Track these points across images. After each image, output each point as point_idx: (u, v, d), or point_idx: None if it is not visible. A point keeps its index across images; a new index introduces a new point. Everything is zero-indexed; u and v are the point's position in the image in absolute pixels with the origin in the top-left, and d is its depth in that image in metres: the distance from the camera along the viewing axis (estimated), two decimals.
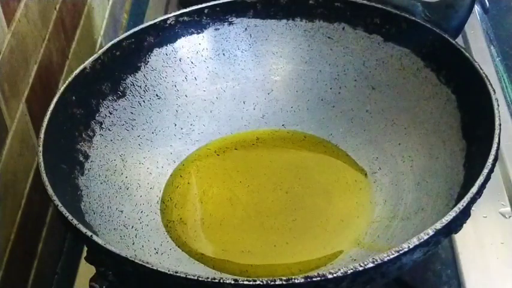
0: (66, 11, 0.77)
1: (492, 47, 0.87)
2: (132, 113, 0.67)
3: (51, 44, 0.73)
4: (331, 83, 0.71)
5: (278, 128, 0.72)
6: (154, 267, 0.46)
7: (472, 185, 0.51)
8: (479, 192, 0.51)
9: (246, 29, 0.72)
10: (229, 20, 0.72)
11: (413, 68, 0.66)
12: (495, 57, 0.85)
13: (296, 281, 0.45)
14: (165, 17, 0.69)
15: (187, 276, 0.46)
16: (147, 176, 0.66)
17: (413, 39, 0.66)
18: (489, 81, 0.58)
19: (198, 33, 0.71)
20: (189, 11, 0.70)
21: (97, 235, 0.52)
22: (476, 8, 0.91)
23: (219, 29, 0.72)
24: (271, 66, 0.73)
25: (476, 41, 0.87)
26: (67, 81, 0.62)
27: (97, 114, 0.65)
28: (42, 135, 0.57)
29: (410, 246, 0.47)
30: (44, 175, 0.53)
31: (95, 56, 0.65)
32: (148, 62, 0.69)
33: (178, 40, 0.70)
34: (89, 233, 0.50)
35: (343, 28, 0.70)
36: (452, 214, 0.49)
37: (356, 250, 0.59)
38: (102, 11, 0.92)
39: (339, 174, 0.66)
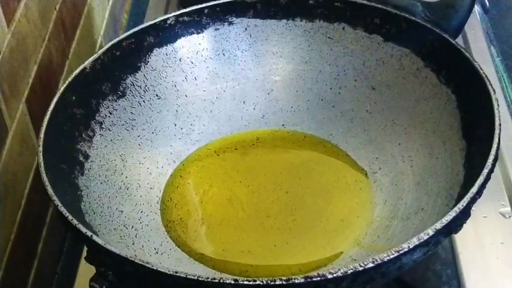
0: (66, 11, 0.77)
1: (492, 47, 0.87)
2: (132, 113, 0.67)
3: (51, 44, 0.73)
4: (331, 83, 0.71)
5: (278, 128, 0.72)
6: (154, 267, 0.46)
7: (472, 185, 0.51)
8: (479, 192, 0.51)
9: (246, 29, 0.72)
10: (229, 20, 0.72)
11: (413, 68, 0.66)
12: (495, 57, 0.85)
13: (296, 281, 0.45)
14: (165, 17, 0.69)
15: (187, 276, 0.46)
16: (147, 176, 0.66)
17: (413, 39, 0.66)
18: (489, 81, 0.58)
19: (198, 33, 0.71)
20: (189, 11, 0.70)
21: (97, 235, 0.52)
22: (476, 8, 0.91)
23: (219, 29, 0.72)
24: (271, 66, 0.73)
25: (476, 41, 0.87)
26: (67, 81, 0.62)
27: (97, 114, 0.65)
28: (42, 135, 0.57)
29: (411, 246, 0.47)
30: (44, 175, 0.53)
31: (95, 56, 0.65)
32: (148, 62, 0.69)
33: (178, 40, 0.70)
34: (89, 233, 0.50)
35: (343, 28, 0.70)
36: (452, 214, 0.48)
37: (356, 250, 0.59)
38: (102, 11, 0.92)
39: (339, 174, 0.66)
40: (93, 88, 0.65)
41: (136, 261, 0.47)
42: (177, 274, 0.46)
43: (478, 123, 0.58)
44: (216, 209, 0.64)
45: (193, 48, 0.71)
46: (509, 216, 0.66)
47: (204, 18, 0.71)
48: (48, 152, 0.56)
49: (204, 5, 0.71)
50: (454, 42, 0.63)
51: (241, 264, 0.59)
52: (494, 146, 0.53)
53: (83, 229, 0.50)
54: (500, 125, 0.55)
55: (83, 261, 0.53)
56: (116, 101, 0.66)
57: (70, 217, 0.51)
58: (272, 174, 0.67)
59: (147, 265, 0.47)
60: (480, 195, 0.51)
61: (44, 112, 0.59)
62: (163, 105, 0.69)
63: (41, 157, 0.55)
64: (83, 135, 0.63)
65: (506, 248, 0.63)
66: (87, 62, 0.64)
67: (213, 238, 0.62)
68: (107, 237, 0.57)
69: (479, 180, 0.51)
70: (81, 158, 0.61)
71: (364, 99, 0.69)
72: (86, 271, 0.56)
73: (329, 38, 0.71)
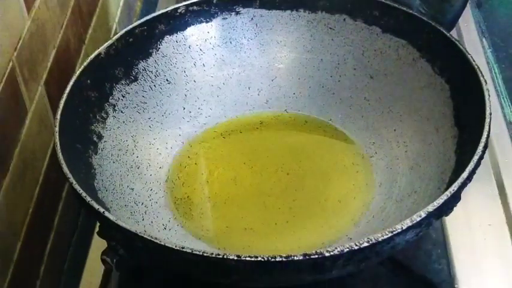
0: None
1: (484, 39, 0.86)
2: (143, 96, 0.67)
3: (69, 30, 0.72)
4: (331, 71, 0.70)
5: (281, 112, 0.71)
6: (162, 243, 0.46)
7: (463, 170, 0.50)
8: (469, 178, 0.50)
9: (252, 18, 0.71)
10: (237, 10, 0.71)
11: (409, 58, 0.66)
12: (486, 49, 0.85)
13: (295, 258, 0.45)
14: (176, 6, 0.69)
15: (193, 252, 0.46)
16: (157, 156, 0.66)
17: (410, 31, 0.66)
18: (481, 72, 0.58)
19: (206, 22, 0.71)
20: (199, 1, 0.70)
21: (109, 211, 0.52)
22: (470, 2, 0.90)
23: (226, 18, 0.71)
24: (275, 55, 0.72)
25: (469, 33, 0.86)
26: (82, 66, 0.62)
27: (110, 97, 0.64)
28: (58, 117, 0.56)
29: (404, 227, 0.46)
30: (59, 154, 0.53)
31: (109, 42, 0.65)
32: (159, 48, 0.68)
33: (188, 28, 0.70)
34: (101, 209, 0.50)
35: (344, 19, 0.69)
36: (443, 197, 0.48)
37: (352, 230, 0.59)
38: (118, 0, 0.91)
39: (338, 157, 0.66)
40: (107, 72, 0.64)
41: (145, 236, 0.47)
42: (184, 249, 0.46)
43: (470, 112, 0.58)
44: (221, 188, 0.64)
45: (202, 36, 0.70)
46: (497, 200, 0.65)
47: (213, 8, 0.70)
48: (64, 133, 0.55)
49: None
50: (448, 34, 0.62)
51: (243, 241, 0.59)
52: (485, 134, 0.53)
53: (96, 205, 0.50)
54: (490, 114, 0.54)
55: (95, 236, 0.53)
56: (128, 85, 0.66)
57: (84, 194, 0.51)
58: (274, 156, 0.67)
59: (155, 240, 0.46)
60: (470, 180, 0.51)
61: (61, 94, 0.59)
62: (173, 90, 0.69)
63: (57, 137, 0.55)
64: (97, 117, 0.62)
65: (493, 229, 0.63)
66: (102, 48, 0.64)
67: (218, 216, 0.62)
68: (118, 213, 0.57)
69: (469, 166, 0.50)
70: (95, 138, 0.61)
71: (362, 87, 0.69)
72: (98, 245, 0.56)
73: (330, 28, 0.70)
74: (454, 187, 0.49)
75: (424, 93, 0.64)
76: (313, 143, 0.68)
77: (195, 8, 0.70)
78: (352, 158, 0.66)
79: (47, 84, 0.66)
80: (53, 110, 0.67)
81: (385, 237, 0.46)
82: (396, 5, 0.66)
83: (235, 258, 0.45)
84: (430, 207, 0.47)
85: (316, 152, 0.67)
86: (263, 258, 0.45)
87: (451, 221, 0.63)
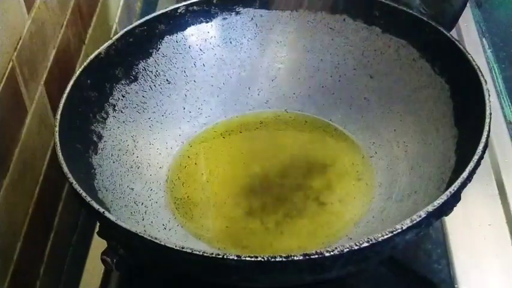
0: None
1: (484, 39, 0.86)
2: (143, 96, 0.67)
3: (69, 30, 0.72)
4: (331, 71, 0.70)
5: (281, 112, 0.71)
6: (162, 243, 0.46)
7: (463, 170, 0.50)
8: (469, 178, 0.50)
9: (252, 18, 0.71)
10: (237, 10, 0.71)
11: (409, 58, 0.66)
12: (486, 49, 0.85)
13: (295, 257, 0.44)
14: (176, 6, 0.69)
15: (193, 252, 0.46)
16: (157, 156, 0.66)
17: (410, 31, 0.66)
18: (481, 72, 0.58)
19: (206, 22, 0.71)
20: (199, 1, 0.70)
21: (109, 211, 0.52)
22: (470, 2, 0.90)
23: (226, 18, 0.71)
24: (275, 55, 0.72)
25: (469, 33, 0.86)
26: (82, 66, 0.62)
27: (110, 97, 0.64)
28: (58, 117, 0.56)
29: (404, 227, 0.46)
30: (59, 154, 0.53)
31: (109, 42, 0.65)
32: (159, 48, 0.68)
33: (188, 28, 0.70)
34: (101, 209, 0.50)
35: (344, 19, 0.69)
36: (443, 198, 0.48)
37: (352, 230, 0.59)
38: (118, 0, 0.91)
39: (338, 157, 0.66)
40: (107, 72, 0.64)
41: (145, 236, 0.47)
42: (184, 249, 0.46)
43: (470, 112, 0.57)
44: (221, 188, 0.64)
45: (202, 36, 0.70)
46: (496, 200, 0.65)
47: (213, 8, 0.70)
48: (64, 132, 0.55)
49: None
50: (448, 34, 0.62)
51: (243, 241, 0.59)
52: (485, 134, 0.53)
53: (96, 205, 0.50)
54: (490, 114, 0.54)
55: (95, 236, 0.53)
56: (128, 85, 0.66)
57: (84, 194, 0.51)
58: (274, 156, 0.66)
59: (155, 240, 0.46)
60: (470, 180, 0.51)
61: (61, 94, 0.59)
62: (173, 90, 0.69)
63: (57, 137, 0.55)
64: (97, 117, 0.62)
65: (493, 229, 0.63)
66: (102, 48, 0.64)
67: (218, 216, 0.62)
68: (118, 213, 0.57)
69: (469, 166, 0.50)
70: (95, 138, 0.61)
71: (362, 87, 0.69)
72: (98, 245, 0.56)
73: (330, 28, 0.70)
74: (454, 187, 0.49)
75: (424, 93, 0.63)
76: (313, 142, 0.68)
77: (195, 8, 0.70)
78: (352, 158, 0.65)
79: (47, 84, 0.65)
80: (53, 110, 0.67)
81: (385, 237, 0.46)
82: (396, 5, 0.66)
83: (235, 258, 0.45)
84: (430, 207, 0.47)
85: (316, 151, 0.67)
86: (263, 258, 0.45)
87: (451, 221, 0.63)
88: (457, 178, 0.50)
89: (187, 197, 0.63)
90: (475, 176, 0.51)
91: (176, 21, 0.69)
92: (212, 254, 0.45)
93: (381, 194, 0.61)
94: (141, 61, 0.67)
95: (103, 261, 0.50)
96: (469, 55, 0.59)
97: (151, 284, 0.60)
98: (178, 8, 0.69)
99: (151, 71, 0.68)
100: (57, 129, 0.55)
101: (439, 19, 0.65)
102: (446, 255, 0.61)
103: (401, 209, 0.57)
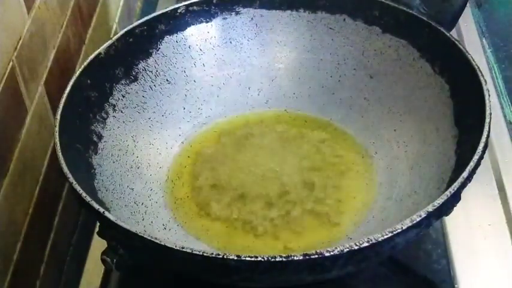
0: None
1: (484, 39, 0.86)
2: (143, 96, 0.67)
3: (69, 30, 0.72)
4: (331, 71, 0.70)
5: (281, 112, 0.71)
6: (162, 243, 0.46)
7: (463, 170, 0.50)
8: (469, 177, 0.50)
9: (252, 18, 0.71)
10: (237, 10, 0.71)
11: (409, 58, 0.66)
12: (486, 49, 0.85)
13: (295, 258, 0.44)
14: (176, 6, 0.69)
15: (193, 252, 0.46)
16: (157, 156, 0.66)
17: (410, 31, 0.66)
18: (481, 72, 0.58)
19: (206, 22, 0.70)
20: (199, 1, 0.70)
21: (109, 211, 0.52)
22: (470, 2, 0.90)
23: (226, 18, 0.71)
24: (275, 55, 0.72)
25: (469, 33, 0.86)
26: (82, 66, 0.62)
27: (110, 97, 0.64)
28: (58, 117, 0.56)
29: (404, 227, 0.46)
30: (59, 154, 0.53)
31: (109, 42, 0.64)
32: (159, 48, 0.68)
33: (188, 28, 0.70)
34: (101, 209, 0.50)
35: (344, 19, 0.69)
36: (443, 197, 0.48)
37: (352, 229, 0.59)
38: (118, 0, 0.91)
39: (338, 157, 0.66)
40: (107, 72, 0.64)
41: (145, 236, 0.47)
42: (184, 249, 0.46)
43: (470, 111, 0.57)
44: (221, 188, 0.64)
45: (202, 36, 0.70)
46: (497, 200, 0.65)
47: (213, 8, 0.70)
48: (64, 133, 0.55)
49: None
50: (448, 34, 0.62)
51: (243, 241, 0.59)
52: (485, 133, 0.53)
53: (96, 205, 0.50)
54: (490, 114, 0.54)
55: (95, 236, 0.53)
56: (128, 85, 0.66)
57: (84, 194, 0.51)
58: (274, 156, 0.66)
59: (155, 240, 0.46)
60: (470, 180, 0.51)
61: (61, 94, 0.59)
62: (173, 90, 0.69)
63: (57, 137, 0.54)
64: (97, 117, 0.62)
65: (493, 229, 0.63)
66: (102, 48, 0.64)
67: (218, 216, 0.62)
68: (118, 213, 0.57)
69: (469, 166, 0.50)
70: (95, 138, 0.61)
71: (362, 87, 0.69)
72: (98, 245, 0.56)
73: (330, 28, 0.70)
74: (454, 187, 0.49)
75: (424, 93, 0.63)
76: (313, 143, 0.68)
77: (195, 8, 0.70)
78: (352, 158, 0.65)
79: (47, 84, 0.65)
80: (53, 110, 0.67)
81: (385, 237, 0.46)
82: (396, 5, 0.66)
83: (235, 258, 0.45)
84: (430, 207, 0.47)
85: (317, 152, 0.67)
86: (263, 258, 0.45)
87: (451, 221, 0.63)
88: (457, 178, 0.50)
89: (187, 196, 0.63)
90: (475, 176, 0.51)
91: (176, 21, 0.69)
92: (212, 254, 0.45)
93: (381, 194, 0.61)
94: (141, 61, 0.67)
95: (103, 261, 0.50)
96: (469, 55, 0.59)
97: (151, 284, 0.60)
98: (178, 8, 0.69)
99: (151, 71, 0.68)
100: (57, 129, 0.55)
101: (439, 19, 0.65)
102: (446, 255, 0.61)
103: (401, 209, 0.57)
